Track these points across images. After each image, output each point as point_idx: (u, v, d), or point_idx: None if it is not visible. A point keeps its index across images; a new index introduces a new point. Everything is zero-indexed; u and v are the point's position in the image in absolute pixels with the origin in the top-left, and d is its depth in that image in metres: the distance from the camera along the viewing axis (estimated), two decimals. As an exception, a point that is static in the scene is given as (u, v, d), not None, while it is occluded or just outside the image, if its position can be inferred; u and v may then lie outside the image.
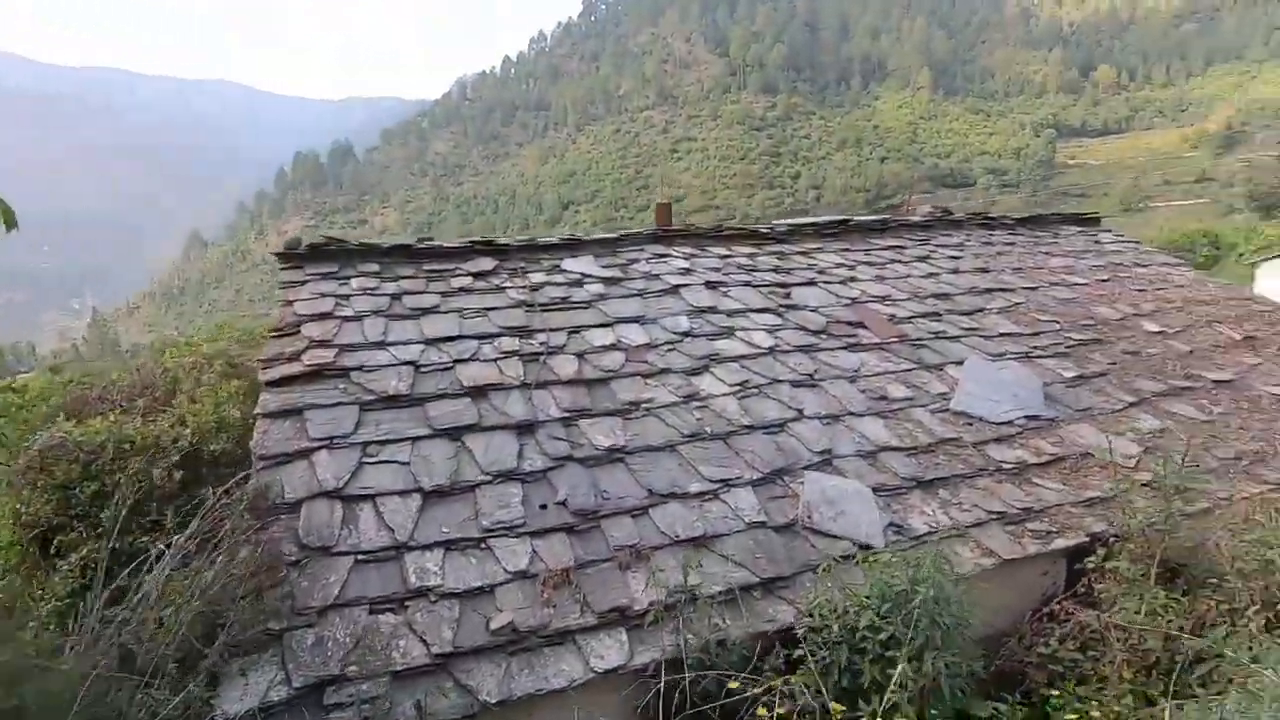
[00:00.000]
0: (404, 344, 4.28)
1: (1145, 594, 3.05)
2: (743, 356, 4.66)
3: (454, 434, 3.68)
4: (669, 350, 4.64)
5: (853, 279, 5.97)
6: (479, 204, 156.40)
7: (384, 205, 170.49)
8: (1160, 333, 5.77)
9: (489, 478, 3.43)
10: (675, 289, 5.37)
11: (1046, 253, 7.07)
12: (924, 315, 5.54)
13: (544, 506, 3.33)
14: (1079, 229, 7.83)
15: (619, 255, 5.79)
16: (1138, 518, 3.34)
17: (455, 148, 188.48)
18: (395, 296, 4.78)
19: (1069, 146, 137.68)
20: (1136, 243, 7.78)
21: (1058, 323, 5.70)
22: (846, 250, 6.53)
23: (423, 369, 4.09)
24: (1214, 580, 3.13)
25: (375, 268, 5.12)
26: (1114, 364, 5.24)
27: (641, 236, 6.08)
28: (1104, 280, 6.58)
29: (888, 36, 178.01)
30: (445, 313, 4.68)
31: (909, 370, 4.84)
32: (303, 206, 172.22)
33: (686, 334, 4.84)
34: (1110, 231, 7.93)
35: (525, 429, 3.77)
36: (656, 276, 5.51)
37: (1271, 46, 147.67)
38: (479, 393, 3.97)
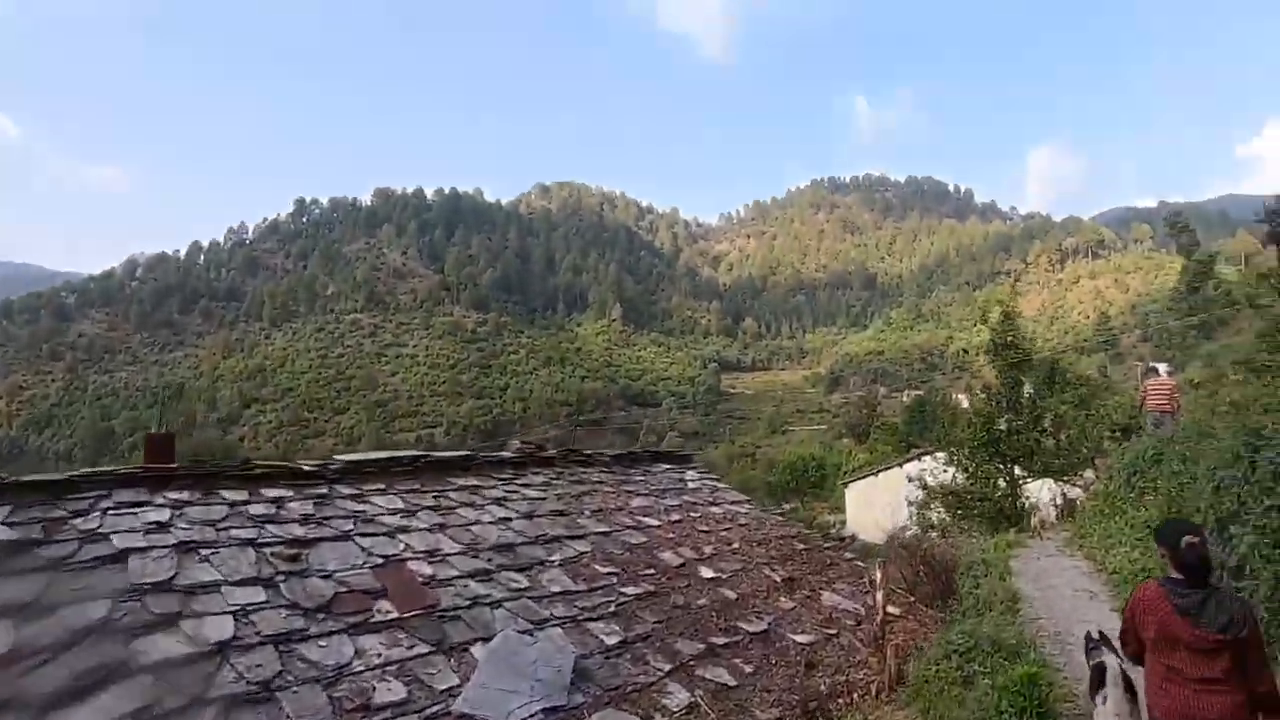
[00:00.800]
0: None
1: None
2: (163, 664, 3.33)
3: None
4: (42, 664, 3.12)
5: (403, 529, 5.15)
6: (131, 396, 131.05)
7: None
8: (715, 579, 5.86)
9: None
10: (121, 556, 3.94)
11: (631, 491, 7.17)
12: (473, 574, 4.85)
13: None
14: (669, 466, 8.26)
15: (59, 505, 4.22)
16: None
17: (109, 330, 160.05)
18: None
19: (729, 378, 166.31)
20: (717, 480, 8.42)
21: (618, 575, 5.45)
22: (414, 492, 5.78)
23: None
24: None
25: None
26: (661, 622, 5.01)
27: (112, 478, 4.60)
28: (676, 521, 6.74)
29: (587, 274, 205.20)
30: None
31: (421, 656, 3.95)
32: None
33: (92, 631, 3.39)
34: (695, 469, 8.52)
35: None
36: (103, 538, 4.04)
37: (850, 317, 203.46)
38: None
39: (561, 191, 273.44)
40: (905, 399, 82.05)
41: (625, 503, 6.83)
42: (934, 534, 15.86)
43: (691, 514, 7.09)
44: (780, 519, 8.52)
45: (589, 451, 7.95)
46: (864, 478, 27.48)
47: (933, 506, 16.39)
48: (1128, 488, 9.28)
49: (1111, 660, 3.58)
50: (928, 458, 17.90)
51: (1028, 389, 15.85)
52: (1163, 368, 12.83)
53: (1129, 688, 3.44)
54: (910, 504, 17.07)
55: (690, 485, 7.93)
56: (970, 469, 15.55)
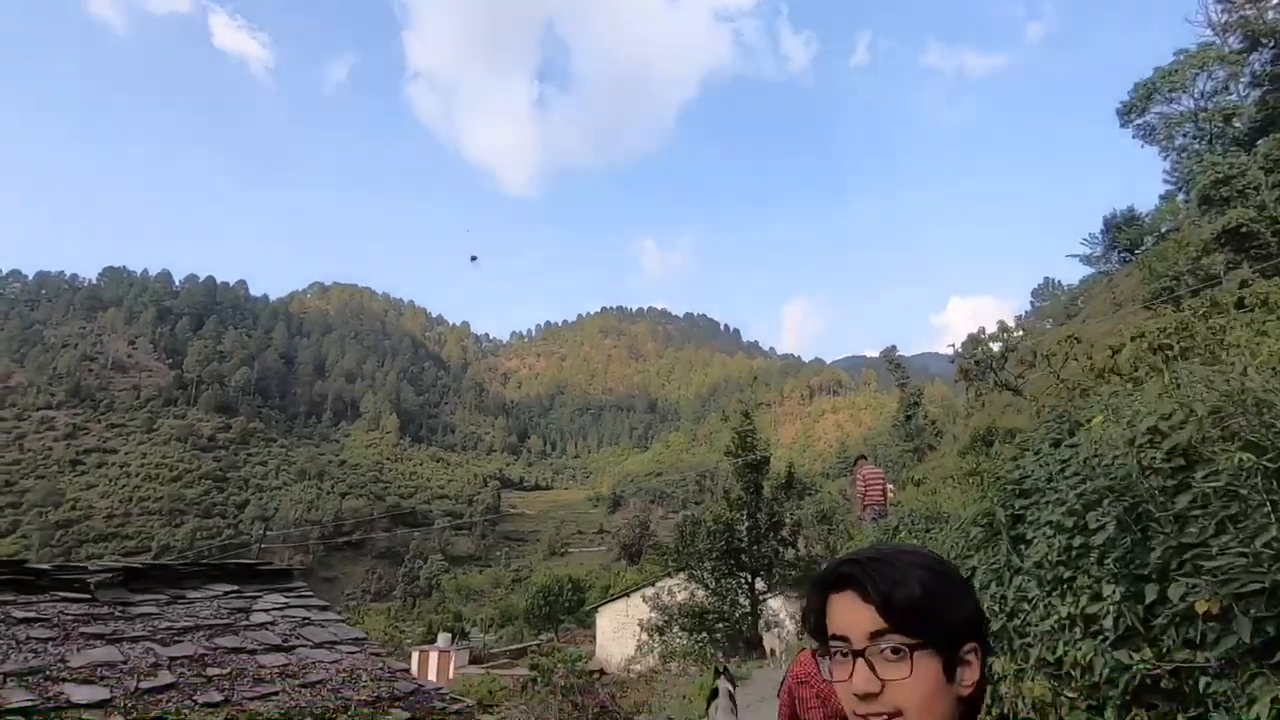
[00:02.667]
0: None
1: None
2: None
3: None
4: None
5: None
6: None
7: None
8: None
9: None
10: None
11: (101, 635, 4.15)
12: None
13: None
14: (232, 590, 5.34)
15: None
16: None
17: None
18: None
19: (512, 496, 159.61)
20: (325, 607, 5.63)
21: None
22: None
23: None
24: None
25: None
26: None
27: None
28: (172, 685, 3.85)
29: (363, 381, 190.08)
30: None
31: None
32: None
33: None
34: (289, 591, 5.67)
35: None
36: None
37: (634, 439, 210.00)
38: None
39: (342, 294, 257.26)
40: (678, 519, 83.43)
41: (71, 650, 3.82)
42: (671, 665, 13.99)
43: (222, 666, 4.24)
44: (404, 670, 5.86)
45: (98, 567, 4.80)
46: (615, 600, 25.14)
47: (671, 630, 14.66)
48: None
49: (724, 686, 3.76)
50: (670, 578, 16.36)
51: (766, 492, 15.26)
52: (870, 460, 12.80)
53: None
54: (642, 629, 15.21)
55: (258, 619, 5.06)
56: (712, 584, 14.23)
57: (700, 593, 14.65)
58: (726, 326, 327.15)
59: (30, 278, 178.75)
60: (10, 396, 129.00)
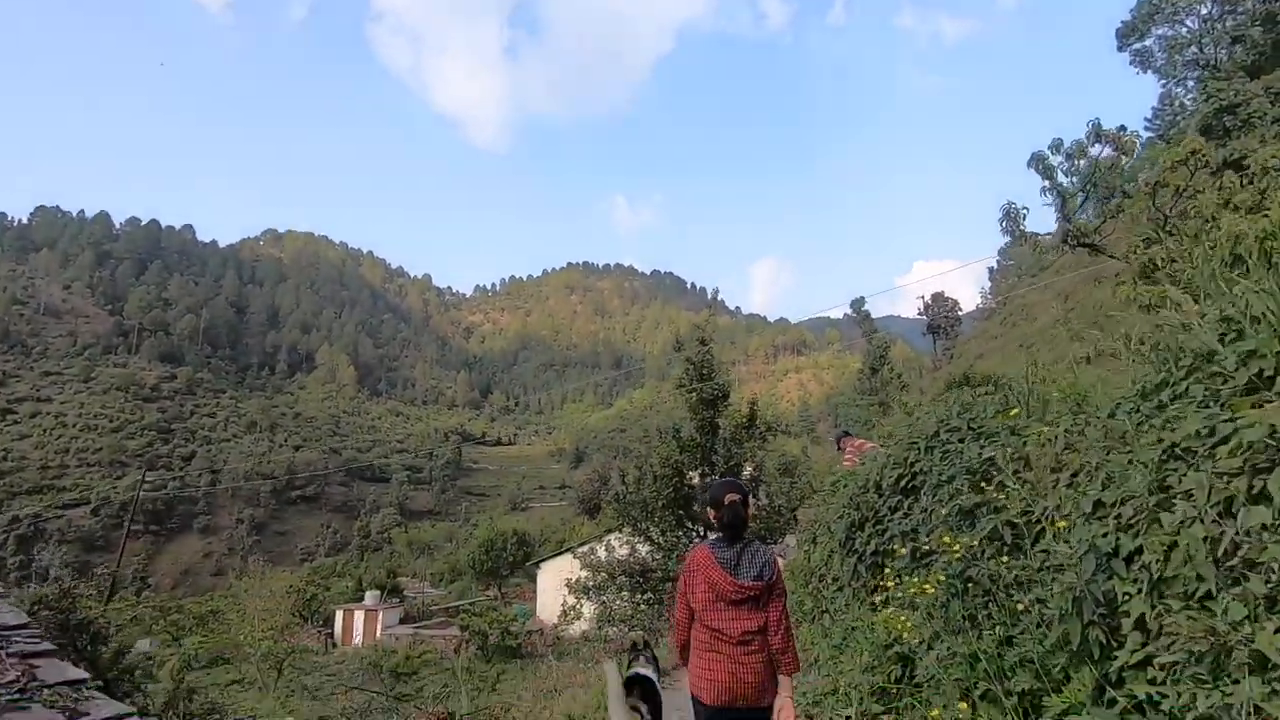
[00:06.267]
0: None
1: None
2: None
3: None
4: None
5: None
6: None
7: None
8: None
9: None
10: None
11: None
12: None
13: None
14: None
15: None
16: None
17: None
18: None
19: (473, 452, 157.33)
20: None
21: None
22: None
23: None
24: None
25: None
26: None
27: None
28: None
29: (318, 333, 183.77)
30: None
31: None
32: None
33: None
34: None
35: None
36: None
37: (598, 395, 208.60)
38: None
39: (297, 241, 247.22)
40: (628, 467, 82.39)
41: None
42: (609, 630, 12.33)
43: None
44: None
45: None
46: (556, 557, 23.41)
47: (611, 589, 12.97)
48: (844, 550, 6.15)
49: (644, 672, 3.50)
50: (613, 534, 14.56)
51: (724, 431, 13.47)
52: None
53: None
54: (572, 590, 13.51)
55: None
56: (657, 537, 12.52)
57: (644, 548, 12.96)
58: (693, 284, 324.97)
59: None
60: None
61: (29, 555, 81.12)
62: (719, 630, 2.90)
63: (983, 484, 3.22)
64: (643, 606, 11.69)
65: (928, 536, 3.17)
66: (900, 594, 3.18)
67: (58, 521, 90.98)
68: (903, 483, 3.56)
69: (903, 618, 3.10)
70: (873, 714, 3.21)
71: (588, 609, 13.46)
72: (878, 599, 3.70)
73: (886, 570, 3.61)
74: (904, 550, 3.24)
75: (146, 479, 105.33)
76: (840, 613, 4.55)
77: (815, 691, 4.19)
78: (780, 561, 3.24)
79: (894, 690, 3.17)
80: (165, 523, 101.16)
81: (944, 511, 3.14)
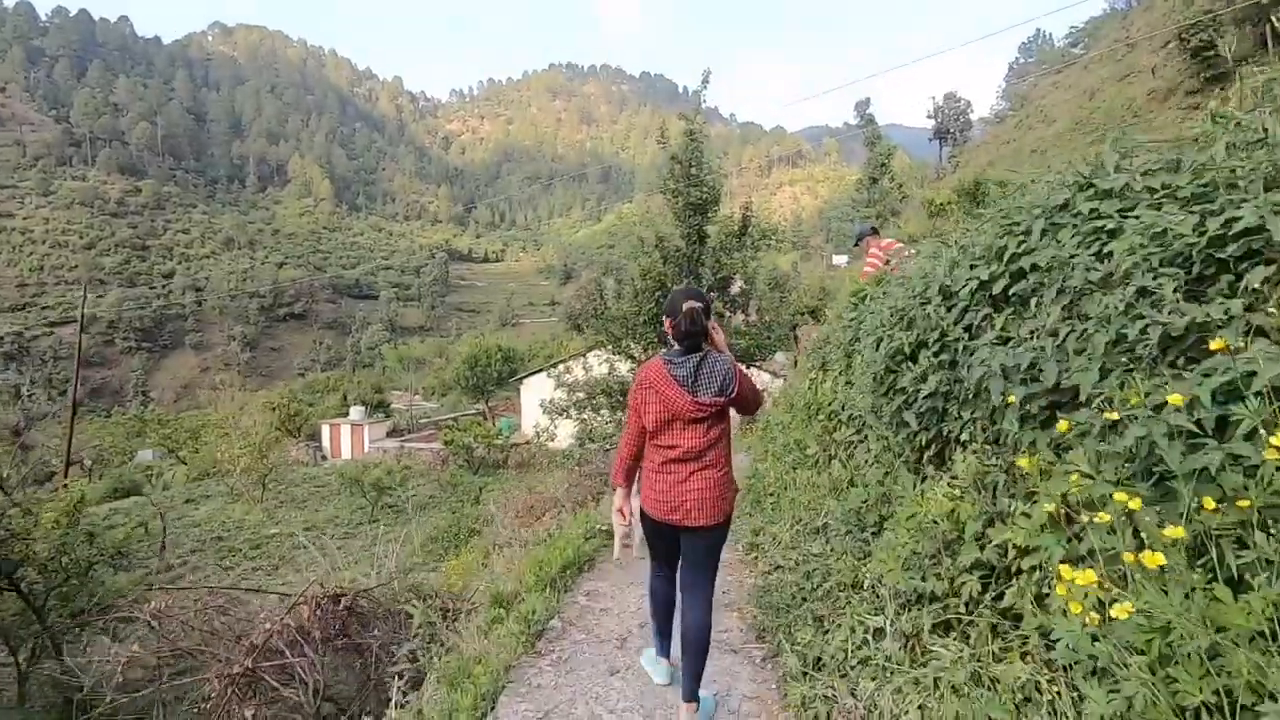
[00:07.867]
0: None
1: None
2: None
3: None
4: None
5: None
6: None
7: None
8: None
9: None
10: None
11: None
12: None
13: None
14: None
15: None
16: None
17: None
18: None
19: (460, 269, 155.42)
20: None
21: None
22: None
23: None
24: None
25: None
26: None
27: None
28: None
29: (287, 142, 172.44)
30: None
31: None
32: None
33: None
34: None
35: None
36: None
37: (587, 210, 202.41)
38: None
39: (250, 36, 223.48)
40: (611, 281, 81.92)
41: None
42: (592, 446, 11.93)
43: None
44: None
45: None
46: (537, 373, 23.08)
47: (590, 409, 12.42)
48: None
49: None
50: (594, 352, 13.71)
51: (713, 240, 12.16)
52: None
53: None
54: (546, 410, 12.96)
55: None
56: (638, 354, 11.72)
57: (624, 366, 12.19)
58: (685, 89, 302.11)
59: None
60: None
61: (19, 373, 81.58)
62: (674, 447, 2.68)
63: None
64: (625, 425, 11.23)
65: (1064, 375, 1.69)
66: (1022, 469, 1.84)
67: (48, 339, 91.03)
68: (997, 288, 2.21)
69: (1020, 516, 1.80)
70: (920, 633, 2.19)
71: (568, 427, 13.06)
72: (930, 469, 2.63)
73: (958, 425, 2.37)
74: (1012, 397, 1.83)
75: (129, 297, 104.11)
76: (864, 468, 3.54)
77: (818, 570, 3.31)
78: (742, 368, 2.76)
79: (961, 609, 2.03)
80: (157, 340, 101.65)
81: (1105, 337, 1.60)
